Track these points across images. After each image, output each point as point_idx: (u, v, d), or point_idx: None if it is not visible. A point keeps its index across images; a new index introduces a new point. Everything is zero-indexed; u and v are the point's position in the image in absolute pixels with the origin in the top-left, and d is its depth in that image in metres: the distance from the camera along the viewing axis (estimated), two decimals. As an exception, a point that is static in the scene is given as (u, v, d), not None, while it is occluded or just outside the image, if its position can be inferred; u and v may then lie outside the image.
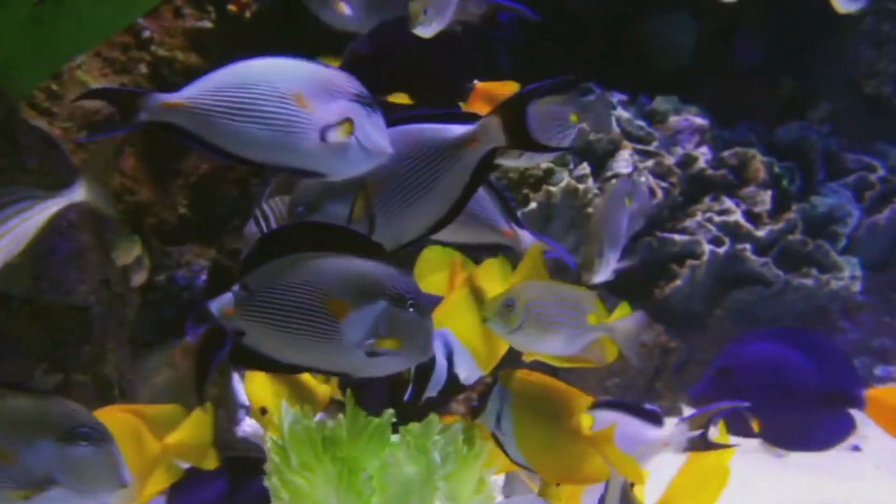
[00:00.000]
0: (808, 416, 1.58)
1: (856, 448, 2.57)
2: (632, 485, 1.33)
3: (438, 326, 1.31)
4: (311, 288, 1.11)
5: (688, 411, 2.61)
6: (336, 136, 1.15)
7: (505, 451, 1.37)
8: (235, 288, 1.11)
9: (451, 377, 1.36)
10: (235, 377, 2.05)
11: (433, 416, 1.42)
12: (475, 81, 1.61)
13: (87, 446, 1.10)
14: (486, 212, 1.42)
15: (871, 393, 1.52)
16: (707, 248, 2.81)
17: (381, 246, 1.15)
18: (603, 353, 1.48)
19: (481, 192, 1.37)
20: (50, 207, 1.28)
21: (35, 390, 1.07)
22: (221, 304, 1.10)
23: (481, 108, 1.51)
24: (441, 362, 1.34)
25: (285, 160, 1.16)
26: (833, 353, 1.58)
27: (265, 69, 1.17)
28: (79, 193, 1.29)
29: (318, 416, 1.51)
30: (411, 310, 1.12)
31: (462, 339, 1.38)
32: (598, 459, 1.32)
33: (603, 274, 1.64)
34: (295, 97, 1.15)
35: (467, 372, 1.39)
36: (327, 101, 1.17)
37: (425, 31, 1.54)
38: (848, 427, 1.57)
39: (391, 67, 1.54)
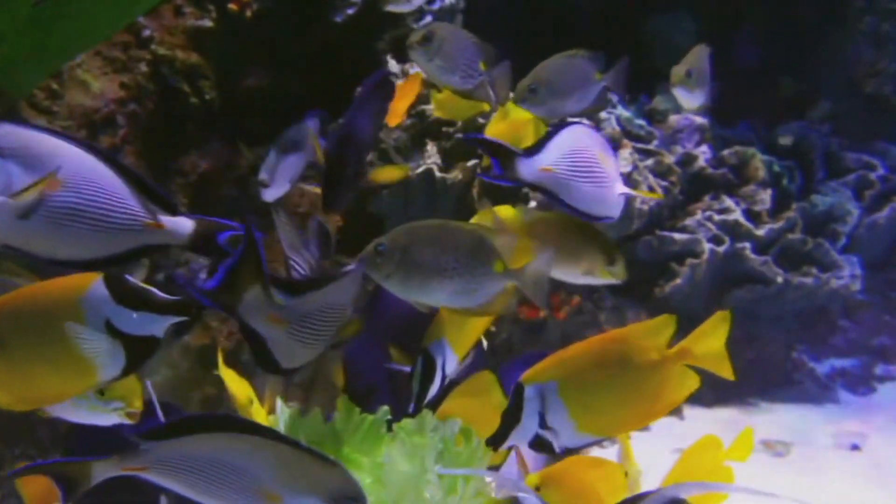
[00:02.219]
0: None
1: (855, 448, 2.57)
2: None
3: (437, 336, 1.39)
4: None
5: (687, 410, 2.61)
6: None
7: (554, 450, 1.30)
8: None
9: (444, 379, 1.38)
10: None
11: (427, 413, 1.42)
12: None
13: None
14: (118, 210, 1.21)
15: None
16: (707, 246, 2.81)
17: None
18: (512, 302, 1.40)
19: (111, 185, 1.19)
20: None
21: (324, 457, 1.08)
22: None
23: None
24: (440, 370, 1.36)
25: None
26: None
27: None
28: None
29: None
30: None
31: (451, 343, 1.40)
32: (680, 374, 1.29)
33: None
34: None
35: (451, 366, 1.41)
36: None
37: (422, 57, 1.60)
38: None
39: None
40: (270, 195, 1.63)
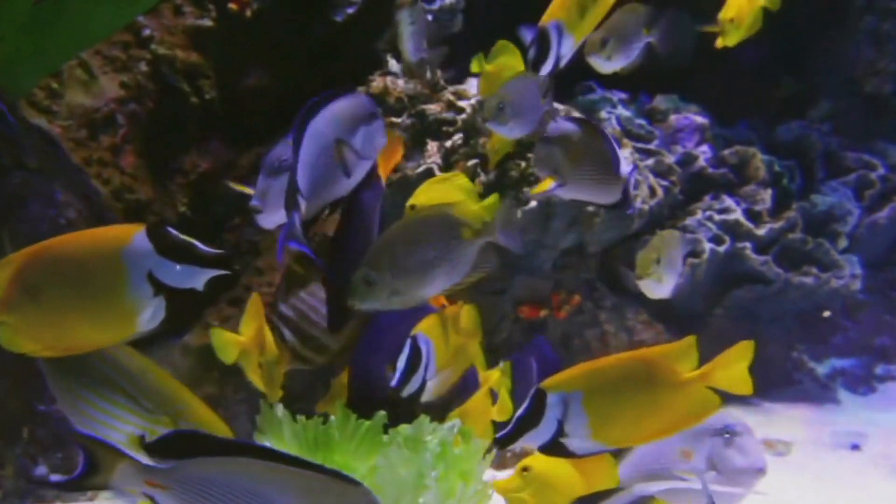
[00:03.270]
0: None
1: (855, 447, 2.57)
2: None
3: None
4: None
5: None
6: None
7: (567, 454, 1.34)
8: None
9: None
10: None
11: (423, 418, 1.42)
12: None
13: None
14: None
15: None
16: (707, 246, 2.81)
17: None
18: (492, 260, 1.43)
19: None
20: None
21: (348, 478, 1.05)
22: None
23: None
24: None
25: None
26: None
27: None
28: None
29: None
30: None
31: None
32: (700, 395, 1.33)
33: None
34: None
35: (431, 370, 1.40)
36: None
37: (502, 129, 1.59)
38: None
39: None
40: (267, 222, 1.59)
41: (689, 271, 2.78)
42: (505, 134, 1.67)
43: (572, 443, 1.31)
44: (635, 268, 1.79)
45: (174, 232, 1.17)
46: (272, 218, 1.56)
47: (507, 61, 1.80)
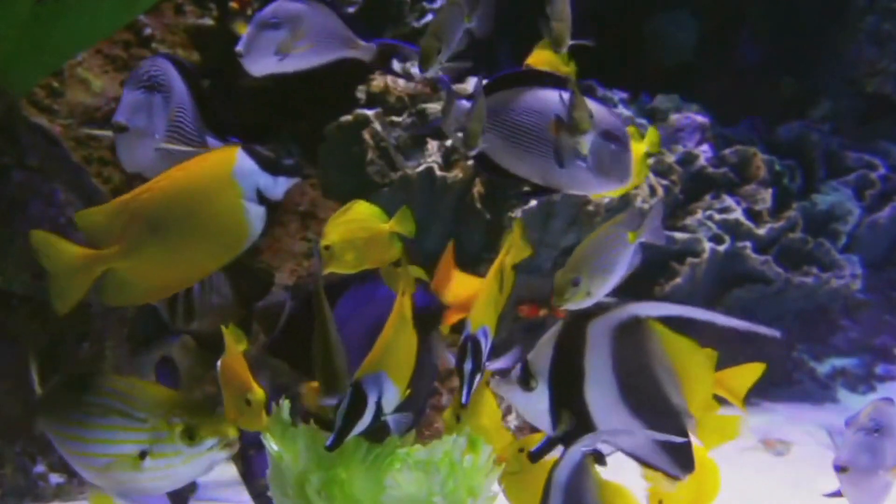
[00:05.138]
0: None
1: (856, 447, 2.56)
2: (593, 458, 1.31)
3: (375, 368, 1.25)
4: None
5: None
6: None
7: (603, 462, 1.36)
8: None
9: (379, 419, 1.26)
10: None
11: (437, 443, 1.39)
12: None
13: None
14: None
15: None
16: (707, 245, 2.81)
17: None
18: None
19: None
20: None
21: None
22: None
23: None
24: (372, 407, 1.24)
25: None
26: None
27: None
28: None
29: None
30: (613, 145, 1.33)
31: (393, 378, 1.28)
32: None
33: (576, 304, 1.47)
34: None
35: (392, 403, 1.28)
36: None
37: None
38: None
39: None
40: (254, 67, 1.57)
41: (689, 271, 2.78)
42: None
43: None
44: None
45: (259, 147, 1.24)
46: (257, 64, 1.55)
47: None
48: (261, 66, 1.53)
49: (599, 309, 1.13)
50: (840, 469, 1.39)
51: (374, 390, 1.24)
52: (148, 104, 1.43)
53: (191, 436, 1.20)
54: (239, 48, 1.50)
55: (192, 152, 1.41)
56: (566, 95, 1.41)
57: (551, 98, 1.41)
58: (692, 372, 1.15)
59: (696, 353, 1.14)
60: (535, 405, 1.17)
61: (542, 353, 1.16)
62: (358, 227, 1.44)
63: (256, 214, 1.24)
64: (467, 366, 1.33)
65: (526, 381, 1.17)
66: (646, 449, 1.14)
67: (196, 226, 1.21)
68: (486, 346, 1.35)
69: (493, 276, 1.40)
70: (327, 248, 1.43)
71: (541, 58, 1.86)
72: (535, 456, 1.29)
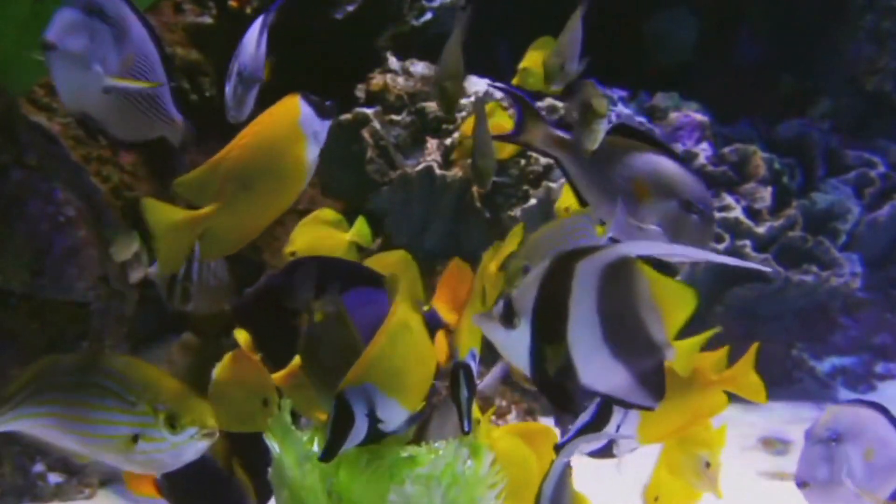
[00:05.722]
0: None
1: (856, 446, 2.57)
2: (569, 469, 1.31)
3: (358, 381, 1.20)
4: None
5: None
6: None
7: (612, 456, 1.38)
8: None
9: (374, 430, 1.22)
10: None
11: (443, 453, 1.38)
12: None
13: None
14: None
15: None
16: (707, 244, 2.81)
17: None
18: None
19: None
20: None
21: None
22: None
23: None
24: (361, 418, 1.19)
25: None
26: None
27: None
28: None
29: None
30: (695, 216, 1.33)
31: (386, 390, 1.23)
32: (717, 395, 1.39)
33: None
34: None
35: (394, 420, 1.25)
36: None
37: None
38: None
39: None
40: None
41: (689, 269, 2.78)
42: None
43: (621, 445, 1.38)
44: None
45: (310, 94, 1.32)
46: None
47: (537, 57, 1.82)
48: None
49: (588, 249, 1.10)
50: (800, 485, 1.35)
51: (361, 403, 1.20)
52: (90, 29, 1.29)
53: (172, 423, 1.20)
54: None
55: (146, 89, 1.39)
56: (660, 160, 1.40)
57: (648, 161, 1.40)
58: (675, 306, 1.13)
59: (681, 290, 1.12)
60: (516, 344, 1.13)
61: (526, 291, 1.12)
62: (323, 234, 1.47)
63: (314, 159, 1.31)
64: (463, 394, 1.31)
65: (509, 319, 1.13)
66: (624, 389, 1.12)
67: (276, 175, 1.29)
68: (476, 370, 1.35)
69: (476, 296, 1.39)
70: (293, 254, 1.46)
71: (533, 60, 1.87)
72: (561, 448, 1.29)
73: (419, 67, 2.68)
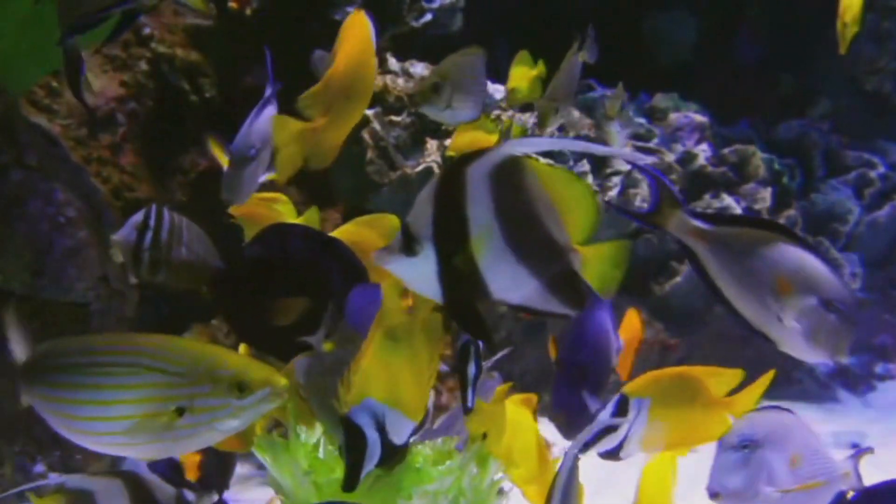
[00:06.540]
0: None
1: (855, 447, 2.57)
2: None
3: (358, 398, 1.15)
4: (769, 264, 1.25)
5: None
6: None
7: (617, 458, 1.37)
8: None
9: (387, 446, 1.15)
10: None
11: (450, 465, 1.36)
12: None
13: None
14: None
15: None
16: (707, 245, 2.81)
17: None
18: None
19: None
20: None
21: None
22: None
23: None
24: (372, 436, 1.14)
25: None
26: None
27: None
28: None
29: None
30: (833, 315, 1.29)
31: (387, 402, 1.18)
32: (721, 417, 1.38)
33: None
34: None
35: (402, 433, 1.20)
36: None
37: (438, 112, 1.59)
38: None
39: (284, 271, 1.42)
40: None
41: (689, 270, 2.78)
42: (447, 119, 1.63)
43: (627, 447, 1.34)
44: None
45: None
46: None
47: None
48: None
49: (475, 154, 1.05)
50: (712, 496, 1.30)
51: (367, 419, 1.15)
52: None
53: (241, 388, 1.15)
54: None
55: None
56: (806, 256, 1.36)
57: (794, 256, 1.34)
58: (572, 204, 1.10)
59: (574, 183, 1.08)
60: (422, 270, 1.05)
61: (421, 211, 1.04)
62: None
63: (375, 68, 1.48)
64: (470, 369, 1.29)
65: (409, 247, 1.05)
66: (537, 298, 1.09)
67: (365, 86, 1.45)
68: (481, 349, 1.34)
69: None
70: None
71: (518, 79, 1.88)
72: (585, 447, 1.29)
73: (419, 68, 2.68)
